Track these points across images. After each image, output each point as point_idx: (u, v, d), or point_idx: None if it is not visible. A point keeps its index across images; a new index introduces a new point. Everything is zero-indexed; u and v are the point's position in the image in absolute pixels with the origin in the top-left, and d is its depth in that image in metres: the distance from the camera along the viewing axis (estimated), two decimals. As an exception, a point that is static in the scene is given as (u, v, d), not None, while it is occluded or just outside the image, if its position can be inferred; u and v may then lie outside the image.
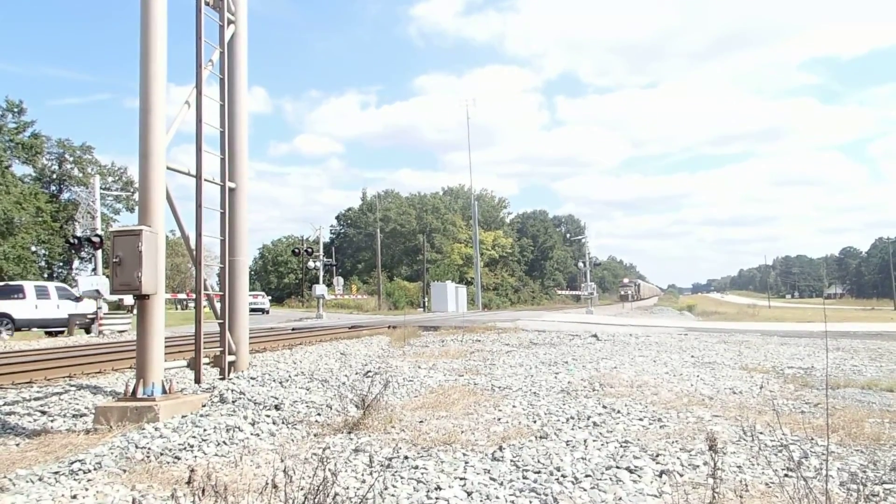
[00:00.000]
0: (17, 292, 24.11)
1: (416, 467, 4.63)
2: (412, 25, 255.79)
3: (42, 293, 24.48)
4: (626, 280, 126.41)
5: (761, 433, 5.48)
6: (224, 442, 5.50)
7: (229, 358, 8.62)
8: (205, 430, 5.73)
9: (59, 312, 24.41)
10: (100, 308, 24.75)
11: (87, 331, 24.87)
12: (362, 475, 4.54)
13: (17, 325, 23.24)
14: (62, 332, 24.34)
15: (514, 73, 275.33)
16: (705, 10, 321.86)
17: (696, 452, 4.88)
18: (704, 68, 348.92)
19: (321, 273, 42.41)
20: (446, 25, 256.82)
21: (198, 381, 8.03)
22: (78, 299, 24.63)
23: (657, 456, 4.80)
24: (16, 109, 59.01)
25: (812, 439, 5.27)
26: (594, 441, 5.33)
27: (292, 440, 5.70)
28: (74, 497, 4.11)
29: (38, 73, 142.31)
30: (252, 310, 32.60)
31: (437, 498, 4.02)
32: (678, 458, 4.76)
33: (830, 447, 4.94)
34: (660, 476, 4.37)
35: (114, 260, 6.81)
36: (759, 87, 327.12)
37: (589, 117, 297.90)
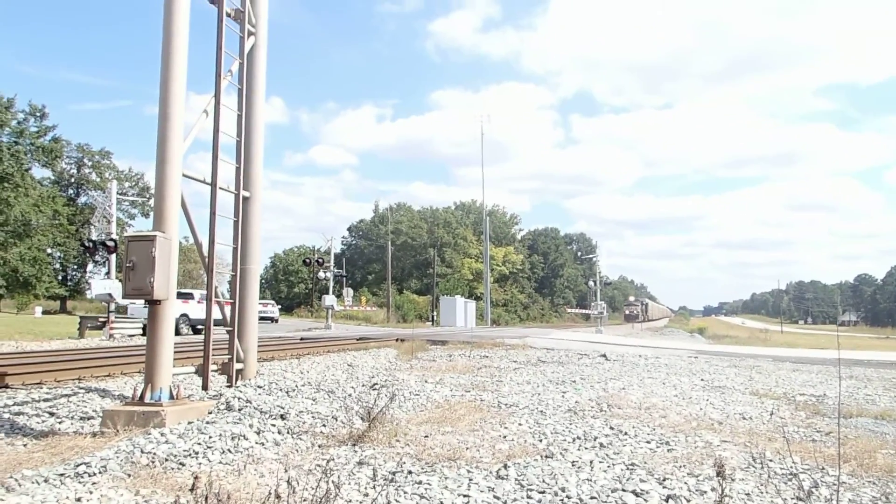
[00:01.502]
0: (188, 297, 30.52)
1: (420, 482, 4.60)
2: (430, 41, 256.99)
3: (203, 297, 28.18)
4: (631, 298, 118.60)
5: (771, 460, 5.42)
6: (229, 450, 5.50)
7: (237, 366, 8.63)
8: (210, 437, 5.73)
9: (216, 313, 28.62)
10: (112, 312, 24.92)
11: (82, 335, 24.93)
12: (365, 489, 4.52)
13: (192, 323, 30.00)
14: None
15: (529, 90, 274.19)
16: (722, 33, 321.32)
17: (703, 478, 4.83)
18: (720, 90, 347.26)
19: (331, 284, 42.51)
20: (463, 41, 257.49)
21: (205, 387, 8.04)
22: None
23: (664, 480, 4.75)
24: (38, 114, 59.78)
25: (823, 469, 5.19)
26: (600, 462, 5.29)
27: (297, 450, 5.70)
28: (78, 500, 4.12)
29: (61, 77, 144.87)
30: (261, 318, 34.34)
31: (440, 514, 3.99)
32: (685, 482, 4.71)
33: (842, 477, 4.87)
34: (666, 501, 4.32)
35: (127, 265, 6.85)
36: (775, 111, 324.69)
37: (603, 136, 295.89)
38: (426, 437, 6.25)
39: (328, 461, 5.16)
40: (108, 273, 27.47)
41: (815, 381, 12.16)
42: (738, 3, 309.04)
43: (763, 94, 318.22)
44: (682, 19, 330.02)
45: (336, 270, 44.72)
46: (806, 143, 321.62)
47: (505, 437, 6.35)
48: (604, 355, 16.79)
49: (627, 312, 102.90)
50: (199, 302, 29.92)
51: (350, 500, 4.22)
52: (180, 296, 29.01)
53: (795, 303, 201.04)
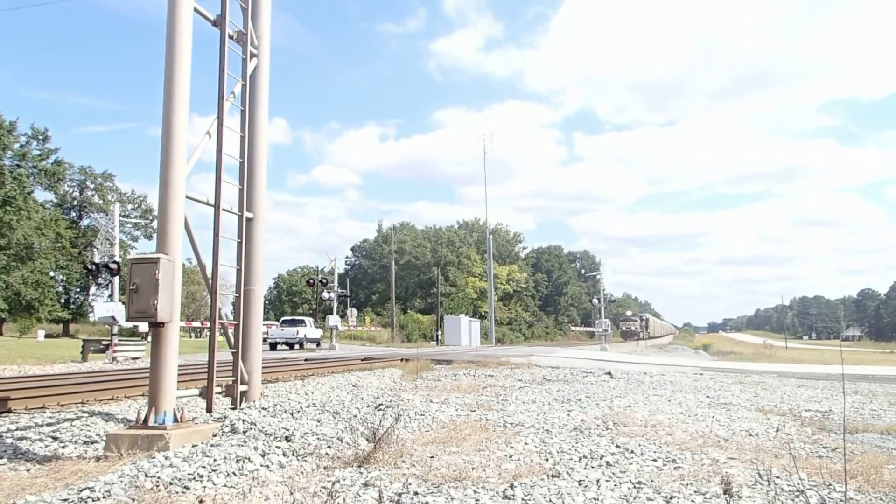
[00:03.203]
0: (302, 324, 43.63)
1: (426, 503, 4.57)
2: (432, 60, 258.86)
3: (311, 323, 44.89)
4: (629, 313, 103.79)
5: (777, 477, 5.38)
6: (234, 472, 5.47)
7: (241, 387, 8.62)
8: (215, 460, 5.70)
9: (315, 333, 44.57)
10: (115, 335, 24.92)
11: (85, 358, 24.97)
12: (371, 510, 4.49)
13: (309, 340, 43.00)
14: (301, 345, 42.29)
15: (532, 108, 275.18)
16: (725, 50, 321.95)
17: (710, 495, 4.80)
18: (723, 108, 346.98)
19: (335, 304, 42.49)
20: (466, 61, 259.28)
21: (209, 410, 8.02)
22: (318, 326, 45.85)
23: (671, 498, 4.73)
24: (40, 137, 60.26)
25: (829, 485, 5.16)
26: (607, 481, 5.26)
27: (302, 472, 5.67)
28: (83, 525, 4.09)
29: (64, 100, 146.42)
30: (265, 340, 36.82)
31: (446, 535, 3.97)
32: (692, 500, 4.68)
33: (849, 493, 4.84)
34: (673, 519, 4.29)
35: (130, 287, 6.86)
36: (777, 127, 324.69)
37: (606, 154, 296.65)
38: (432, 457, 6.22)
39: (334, 483, 5.14)
40: (111, 296, 27.53)
41: (821, 397, 12.11)
42: (740, 22, 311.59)
43: (766, 111, 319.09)
44: (685, 38, 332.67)
45: (340, 290, 44.79)
46: (809, 159, 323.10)
47: (511, 456, 6.32)
48: (609, 373, 16.74)
49: (624, 329, 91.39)
50: (312, 326, 44.60)
51: (355, 522, 4.20)
52: (296, 323, 44.37)
53: (799, 318, 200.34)
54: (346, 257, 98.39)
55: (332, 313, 42.05)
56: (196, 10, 7.75)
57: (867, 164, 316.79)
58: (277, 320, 66.58)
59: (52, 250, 58.67)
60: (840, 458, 6.10)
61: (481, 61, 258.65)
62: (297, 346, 41.28)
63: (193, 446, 6.34)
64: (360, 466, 5.80)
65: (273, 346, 40.04)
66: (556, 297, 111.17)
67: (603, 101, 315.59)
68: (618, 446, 6.71)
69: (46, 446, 7.03)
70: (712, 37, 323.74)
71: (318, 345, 43.90)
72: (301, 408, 8.45)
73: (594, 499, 4.74)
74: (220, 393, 8.40)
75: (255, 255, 9.00)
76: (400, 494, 4.80)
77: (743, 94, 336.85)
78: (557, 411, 9.51)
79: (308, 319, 46.13)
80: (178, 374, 7.32)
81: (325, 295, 43.71)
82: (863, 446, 7.11)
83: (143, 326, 24.52)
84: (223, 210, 8.19)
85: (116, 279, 26.42)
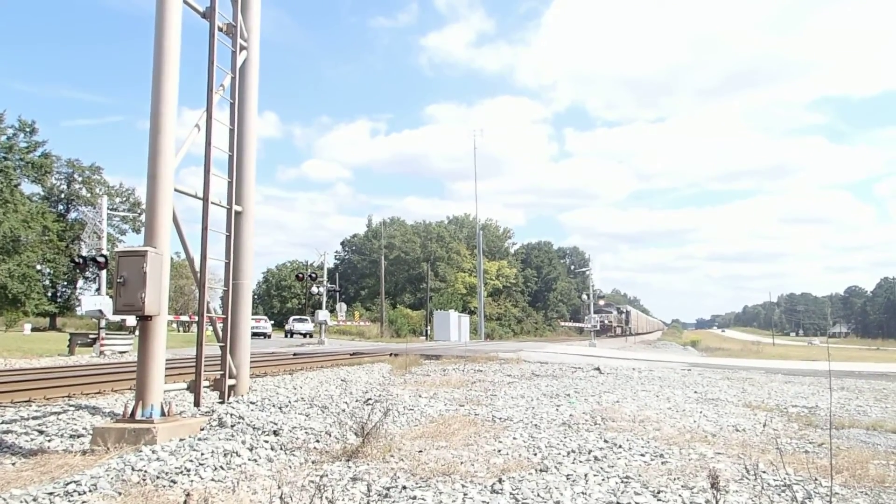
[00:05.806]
0: (305, 320, 54.19)
1: (414, 498, 4.57)
2: (423, 55, 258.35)
3: (309, 318, 51.88)
4: (602, 303, 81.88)
5: (764, 472, 5.42)
6: (221, 467, 5.45)
7: (229, 381, 8.58)
8: (202, 454, 5.68)
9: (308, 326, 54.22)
10: (102, 328, 24.76)
11: (72, 352, 24.80)
12: (359, 504, 4.49)
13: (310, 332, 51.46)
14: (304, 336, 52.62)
15: (523, 104, 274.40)
16: (716, 48, 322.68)
17: (697, 490, 4.82)
18: (713, 105, 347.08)
19: (324, 299, 42.38)
20: (457, 56, 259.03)
21: (197, 404, 7.98)
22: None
23: (658, 493, 4.74)
24: (28, 129, 59.68)
25: (816, 480, 5.20)
26: (595, 476, 5.27)
27: (290, 467, 5.65)
28: (68, 519, 4.06)
29: (53, 94, 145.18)
30: (254, 334, 37.18)
31: (434, 529, 3.96)
32: (680, 495, 4.70)
33: (834, 488, 4.88)
34: (661, 513, 4.30)
35: (118, 280, 6.82)
36: (767, 124, 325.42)
37: (597, 150, 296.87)
38: (420, 451, 6.21)
39: (322, 477, 5.13)
40: (98, 289, 27.23)
41: (807, 393, 12.20)
42: (732, 19, 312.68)
43: (756, 109, 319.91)
44: (677, 35, 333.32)
45: (329, 285, 44.66)
46: (798, 157, 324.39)
47: (499, 451, 6.33)
48: (597, 368, 16.79)
49: (601, 321, 74.32)
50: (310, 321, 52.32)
51: (343, 516, 4.19)
52: (304, 320, 56.85)
53: (787, 315, 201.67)
54: (336, 252, 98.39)
55: (321, 308, 41.95)
56: (185, 1, 7.68)
57: (856, 161, 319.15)
58: (266, 315, 67.40)
59: (39, 243, 58.18)
60: (826, 454, 6.15)
61: (473, 56, 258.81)
62: (307, 336, 52.59)
63: (181, 440, 6.31)
64: (348, 461, 5.80)
65: (288, 335, 55.63)
66: (545, 292, 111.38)
67: (594, 98, 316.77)
68: (606, 441, 6.73)
69: (32, 440, 6.98)
70: (704, 34, 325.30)
71: (311, 335, 50.75)
72: (289, 402, 8.43)
73: (582, 493, 4.75)
74: (207, 387, 8.36)
75: (243, 249, 8.96)
76: (388, 488, 4.80)
77: (733, 92, 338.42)
78: (546, 406, 9.53)
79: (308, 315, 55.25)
80: (166, 368, 7.28)
81: (315, 290, 43.59)
82: (849, 442, 7.16)
83: (131, 320, 24.24)
84: (212, 203, 8.15)
85: (104, 272, 26.18)
